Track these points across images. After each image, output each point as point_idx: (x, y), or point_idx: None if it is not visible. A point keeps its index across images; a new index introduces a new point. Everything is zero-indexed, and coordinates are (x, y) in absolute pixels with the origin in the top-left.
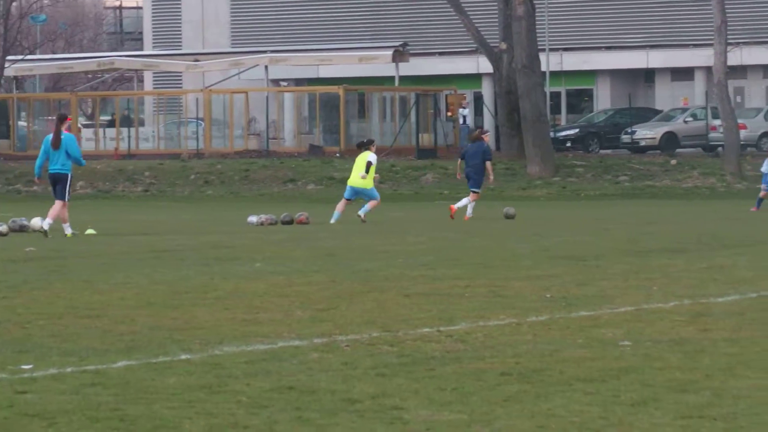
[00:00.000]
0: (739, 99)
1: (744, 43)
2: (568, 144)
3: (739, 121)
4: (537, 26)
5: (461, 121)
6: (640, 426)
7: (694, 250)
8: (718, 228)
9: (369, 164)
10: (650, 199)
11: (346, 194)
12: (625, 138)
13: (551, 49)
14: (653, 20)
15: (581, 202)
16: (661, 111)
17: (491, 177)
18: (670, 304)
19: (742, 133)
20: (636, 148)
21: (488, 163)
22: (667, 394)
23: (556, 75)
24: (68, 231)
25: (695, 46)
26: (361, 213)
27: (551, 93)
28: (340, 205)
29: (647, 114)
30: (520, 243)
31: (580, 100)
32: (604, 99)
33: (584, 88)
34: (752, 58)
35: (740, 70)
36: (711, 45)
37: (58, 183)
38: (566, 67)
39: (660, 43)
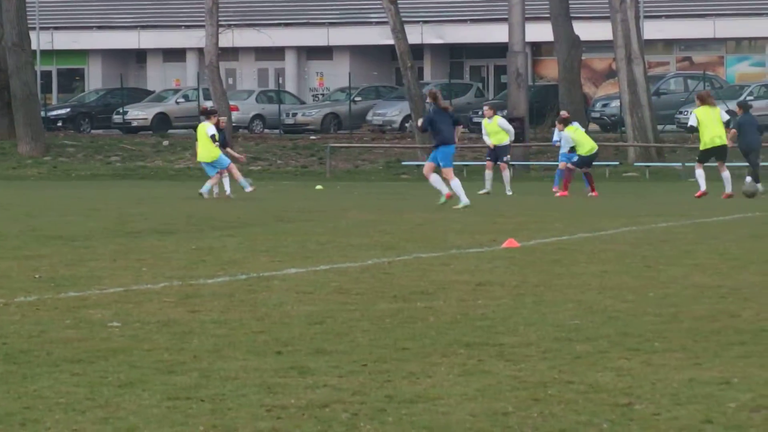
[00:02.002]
0: (231, 81)
1: (236, 25)
2: (60, 123)
3: (232, 102)
4: (27, 4)
5: None
6: (127, 407)
7: (183, 231)
8: (208, 209)
9: None
10: (141, 180)
11: None
12: (117, 118)
13: (42, 28)
14: (145, 1)
15: (72, 182)
16: (153, 92)
17: None
18: (160, 285)
19: (235, 114)
20: (128, 128)
21: None
22: (155, 375)
23: (47, 54)
24: None
25: (187, 27)
26: None
27: (42, 72)
28: None
29: (139, 94)
30: (9, 222)
31: (71, 80)
32: (95, 79)
33: (76, 68)
34: (244, 41)
35: (232, 52)
36: (203, 26)
37: None
38: (57, 46)
39: (151, 24)
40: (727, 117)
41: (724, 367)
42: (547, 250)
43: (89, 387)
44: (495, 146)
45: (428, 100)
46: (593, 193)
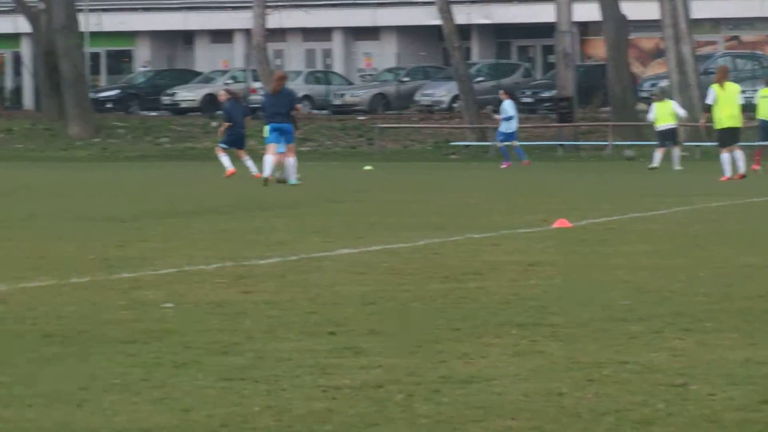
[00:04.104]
0: (279, 62)
1: (283, 6)
2: (109, 105)
3: None
4: None
5: None
6: (181, 388)
7: (234, 212)
8: (258, 190)
9: None
10: (191, 161)
11: None
12: (166, 100)
13: (90, 10)
14: None
15: (121, 163)
16: (201, 73)
17: None
18: (212, 266)
19: None
20: (177, 109)
21: None
22: (210, 356)
23: (96, 36)
24: None
25: (234, 8)
26: None
27: (91, 54)
28: None
29: (187, 76)
30: (60, 203)
31: (119, 61)
32: (143, 60)
33: (124, 49)
34: (291, 22)
35: (279, 33)
36: (250, 8)
37: None
38: (105, 28)
39: (199, 5)
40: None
41: None
42: (599, 230)
43: (144, 368)
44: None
45: None
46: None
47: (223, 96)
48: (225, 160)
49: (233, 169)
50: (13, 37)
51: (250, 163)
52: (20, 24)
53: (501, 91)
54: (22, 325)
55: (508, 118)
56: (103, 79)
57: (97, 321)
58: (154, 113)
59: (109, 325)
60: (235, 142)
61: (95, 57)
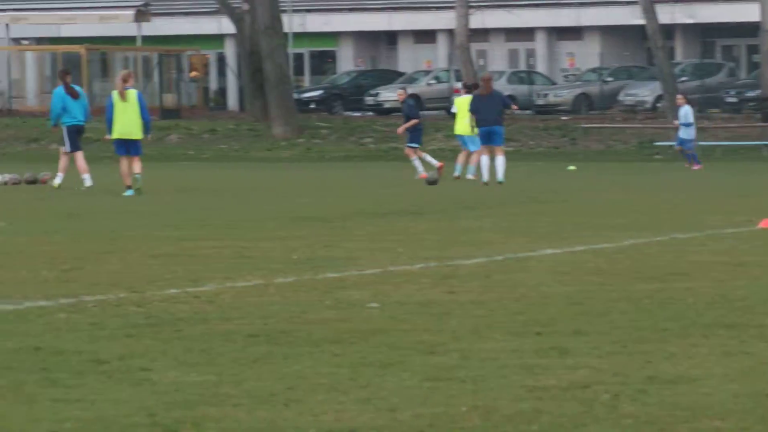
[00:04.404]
0: (482, 62)
1: (486, 6)
2: (312, 105)
3: None
4: None
5: None
6: (388, 388)
7: (438, 212)
8: (461, 190)
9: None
10: (394, 162)
11: None
12: (369, 100)
13: (294, 11)
14: None
15: (326, 163)
16: (404, 73)
17: None
18: (417, 266)
19: None
20: (380, 110)
21: None
22: (415, 356)
23: (300, 36)
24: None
25: (438, 8)
26: None
27: (294, 54)
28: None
29: (390, 76)
30: (266, 204)
31: (323, 62)
32: (347, 61)
33: (327, 50)
34: (494, 22)
35: (482, 33)
36: (453, 8)
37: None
38: (309, 29)
39: (402, 6)
40: None
41: None
42: None
43: (350, 368)
44: None
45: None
46: None
47: (401, 95)
48: (423, 160)
49: (441, 163)
50: (218, 38)
51: (417, 162)
52: (224, 25)
53: (679, 96)
54: (228, 325)
55: (688, 124)
56: (306, 79)
57: (302, 321)
58: (357, 113)
59: (314, 324)
60: (416, 139)
61: (298, 57)
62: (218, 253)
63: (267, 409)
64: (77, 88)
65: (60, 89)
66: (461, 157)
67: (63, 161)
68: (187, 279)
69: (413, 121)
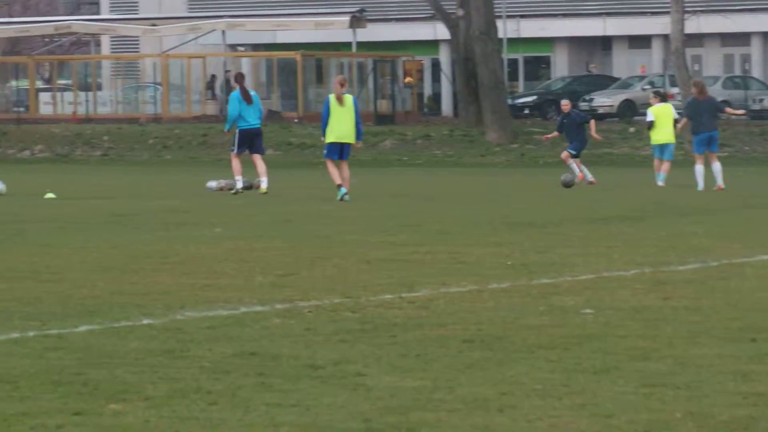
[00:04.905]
0: (696, 67)
1: (701, 11)
2: (526, 111)
3: None
4: None
5: None
6: (602, 394)
7: (652, 217)
8: (675, 196)
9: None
10: (608, 167)
11: None
12: (584, 105)
13: (508, 16)
14: None
15: (540, 169)
16: (618, 79)
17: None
18: (631, 271)
19: None
20: (594, 115)
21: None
22: (630, 362)
23: (514, 42)
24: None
25: (652, 13)
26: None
27: (509, 60)
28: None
29: (605, 81)
30: (481, 209)
31: (537, 68)
32: (561, 66)
33: (542, 55)
34: (710, 27)
35: (697, 38)
36: (668, 13)
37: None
38: (523, 34)
39: (617, 11)
40: None
41: None
42: None
43: (564, 373)
44: None
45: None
46: None
47: (566, 106)
48: (570, 166)
49: (581, 174)
50: (432, 44)
51: (574, 166)
52: (439, 31)
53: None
54: (443, 330)
55: None
56: (520, 85)
57: (516, 326)
58: None
59: (528, 330)
60: (575, 147)
61: (513, 63)
62: (432, 259)
63: (481, 415)
64: (251, 92)
65: (236, 93)
66: (664, 166)
67: (235, 164)
68: (402, 284)
69: (554, 134)
